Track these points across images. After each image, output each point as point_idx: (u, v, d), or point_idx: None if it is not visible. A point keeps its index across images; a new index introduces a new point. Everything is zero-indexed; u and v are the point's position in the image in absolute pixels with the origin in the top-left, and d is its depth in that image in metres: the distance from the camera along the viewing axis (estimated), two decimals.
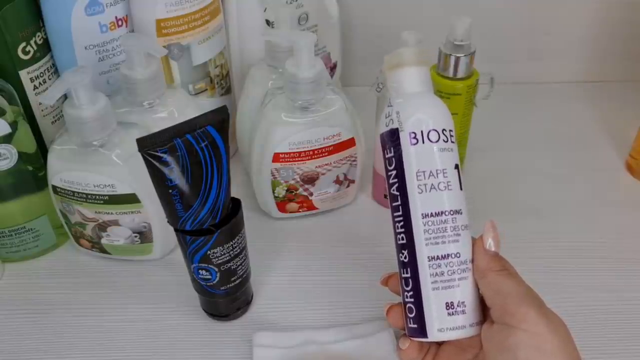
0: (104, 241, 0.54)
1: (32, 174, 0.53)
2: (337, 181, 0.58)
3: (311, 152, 0.54)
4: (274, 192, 0.57)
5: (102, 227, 0.53)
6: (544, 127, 0.72)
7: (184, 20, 0.55)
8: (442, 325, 0.40)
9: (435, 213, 0.40)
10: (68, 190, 0.50)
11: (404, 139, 0.40)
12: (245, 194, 0.59)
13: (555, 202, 0.62)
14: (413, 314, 0.41)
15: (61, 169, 0.49)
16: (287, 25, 0.56)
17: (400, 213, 0.41)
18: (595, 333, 0.49)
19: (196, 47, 0.57)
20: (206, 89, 0.60)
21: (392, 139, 0.41)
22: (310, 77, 0.51)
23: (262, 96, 0.56)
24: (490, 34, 0.70)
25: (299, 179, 0.56)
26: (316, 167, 0.55)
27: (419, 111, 0.40)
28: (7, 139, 0.49)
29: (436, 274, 0.40)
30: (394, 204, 0.41)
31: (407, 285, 0.41)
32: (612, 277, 0.54)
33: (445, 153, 0.40)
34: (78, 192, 0.50)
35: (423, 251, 0.40)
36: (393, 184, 0.41)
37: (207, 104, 0.60)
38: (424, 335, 0.41)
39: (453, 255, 0.40)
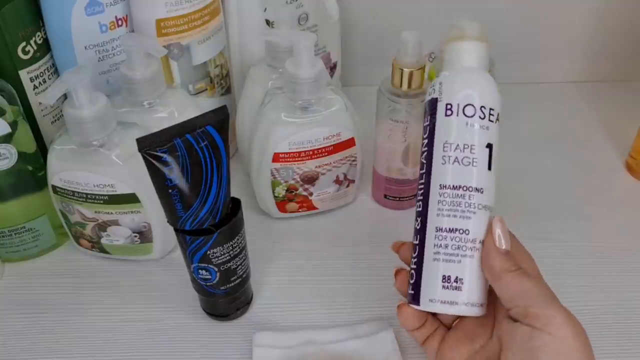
0: (104, 241, 0.54)
1: (31, 173, 0.53)
2: (337, 181, 0.58)
3: (311, 152, 0.54)
4: (274, 192, 0.57)
5: (102, 227, 0.53)
6: (544, 127, 0.72)
7: (184, 20, 0.55)
8: (433, 295, 0.40)
9: (453, 186, 0.39)
10: (68, 190, 0.50)
11: (440, 109, 0.40)
12: (245, 194, 0.59)
13: (555, 202, 0.62)
14: (413, 280, 0.41)
15: (61, 169, 0.49)
16: (287, 25, 0.56)
17: (422, 181, 0.41)
18: (595, 333, 0.48)
19: (196, 47, 0.57)
20: (206, 89, 0.60)
21: (430, 107, 0.41)
22: (310, 77, 0.51)
23: (262, 96, 0.56)
24: (490, 34, 0.70)
25: (298, 179, 0.56)
26: (316, 167, 0.55)
27: (460, 84, 0.40)
28: (7, 138, 0.49)
29: (440, 245, 0.40)
30: (420, 171, 0.42)
31: (414, 252, 0.41)
32: (612, 277, 0.54)
33: (478, 130, 0.39)
34: (78, 192, 0.50)
35: (433, 221, 0.40)
36: (424, 152, 0.41)
37: (207, 104, 0.60)
38: (417, 302, 0.41)
39: (461, 231, 0.39)
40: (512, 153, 0.67)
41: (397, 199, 0.60)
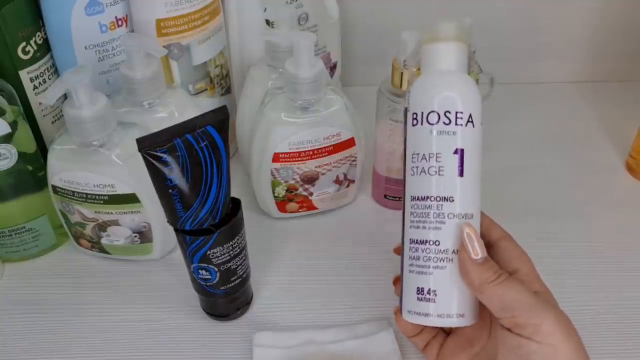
0: (104, 241, 0.54)
1: (32, 174, 0.53)
2: (337, 181, 0.58)
3: (311, 152, 0.54)
4: (274, 192, 0.57)
5: (102, 227, 0.53)
6: (543, 127, 0.72)
7: (184, 20, 0.55)
8: (410, 307, 0.40)
9: (421, 197, 0.39)
10: (68, 190, 0.50)
11: (409, 119, 0.40)
12: (245, 194, 0.59)
13: (555, 202, 0.62)
14: (400, 290, 0.42)
15: (61, 169, 0.49)
16: (287, 25, 0.56)
17: (403, 192, 0.41)
18: (595, 333, 0.49)
19: (196, 47, 0.57)
20: (206, 89, 0.60)
21: (404, 118, 0.40)
22: (310, 77, 0.51)
23: (262, 96, 0.56)
24: (490, 34, 0.70)
25: (298, 179, 0.56)
26: (316, 167, 0.55)
27: (425, 92, 0.39)
28: (7, 139, 0.49)
29: (413, 258, 0.40)
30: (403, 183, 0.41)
31: (400, 263, 0.42)
32: (612, 277, 0.54)
33: (442, 136, 0.38)
34: (78, 192, 0.50)
35: (407, 233, 0.40)
36: (402, 163, 0.41)
37: (207, 104, 0.60)
38: (402, 312, 0.41)
39: (431, 242, 0.39)
40: (512, 153, 0.67)
41: (397, 199, 0.60)
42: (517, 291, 0.37)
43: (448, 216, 0.39)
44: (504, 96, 0.65)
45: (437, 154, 0.38)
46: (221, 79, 0.61)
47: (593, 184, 0.64)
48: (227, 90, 0.63)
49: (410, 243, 0.40)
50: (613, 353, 0.48)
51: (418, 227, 0.39)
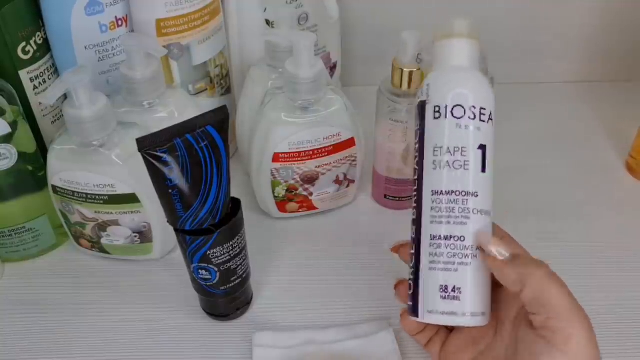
0: (103, 241, 0.54)
1: (31, 173, 0.53)
2: (337, 181, 0.58)
3: (311, 152, 0.54)
4: (273, 192, 0.57)
5: (102, 227, 0.53)
6: (543, 126, 0.72)
7: (184, 20, 0.55)
8: (432, 307, 0.39)
9: (445, 192, 0.38)
10: (68, 190, 0.50)
11: (429, 112, 0.39)
12: (245, 194, 0.59)
13: (555, 202, 0.62)
14: (411, 292, 0.40)
15: (61, 169, 0.49)
16: (287, 25, 0.56)
17: (415, 187, 0.40)
18: (596, 333, 0.49)
19: (196, 47, 0.57)
20: (206, 89, 0.60)
21: (420, 111, 0.40)
22: (310, 77, 0.51)
23: (262, 96, 0.56)
24: (490, 33, 0.70)
25: (298, 179, 0.56)
26: (316, 167, 0.55)
27: (448, 85, 0.39)
28: (7, 139, 0.49)
29: (435, 254, 0.38)
30: (414, 177, 0.40)
31: (411, 262, 0.40)
32: (612, 277, 0.54)
33: (468, 131, 0.38)
34: (78, 192, 0.50)
35: (427, 228, 0.39)
36: (415, 157, 0.40)
37: (207, 104, 0.60)
38: (416, 314, 0.40)
39: (457, 238, 0.38)
40: (512, 153, 0.67)
41: (397, 199, 0.60)
42: (559, 292, 0.36)
43: (473, 211, 0.38)
44: (504, 96, 0.65)
45: (462, 148, 0.38)
46: (221, 79, 0.61)
47: (593, 184, 0.64)
48: (227, 90, 0.63)
49: (432, 239, 0.39)
50: (613, 353, 0.48)
51: (441, 222, 0.38)
